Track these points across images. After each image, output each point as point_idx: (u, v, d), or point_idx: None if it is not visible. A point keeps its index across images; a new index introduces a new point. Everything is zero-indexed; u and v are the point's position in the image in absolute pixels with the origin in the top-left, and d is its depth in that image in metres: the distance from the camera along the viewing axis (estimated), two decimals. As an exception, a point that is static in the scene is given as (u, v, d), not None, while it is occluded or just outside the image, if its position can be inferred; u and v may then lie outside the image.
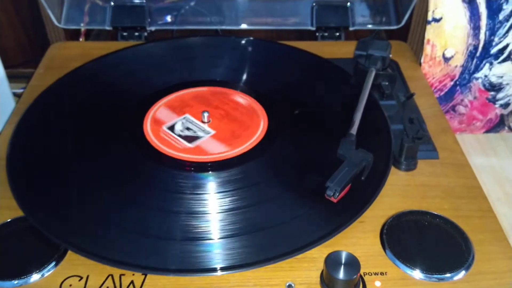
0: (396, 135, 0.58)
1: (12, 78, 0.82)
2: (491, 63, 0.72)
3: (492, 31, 0.70)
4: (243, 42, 0.74)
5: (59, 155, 0.57)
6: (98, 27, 0.82)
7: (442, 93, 0.75)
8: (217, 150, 0.57)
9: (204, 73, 0.69)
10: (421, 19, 0.76)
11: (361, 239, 0.48)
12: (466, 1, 0.68)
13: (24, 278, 0.44)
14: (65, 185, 0.53)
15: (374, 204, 0.51)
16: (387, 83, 0.65)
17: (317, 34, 0.81)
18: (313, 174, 0.54)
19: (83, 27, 0.83)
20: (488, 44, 0.71)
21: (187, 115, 0.62)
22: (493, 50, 0.71)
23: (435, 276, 0.45)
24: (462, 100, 0.75)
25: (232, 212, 0.50)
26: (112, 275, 0.45)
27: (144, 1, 0.81)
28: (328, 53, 0.73)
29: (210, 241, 0.47)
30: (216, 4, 0.83)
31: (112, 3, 0.81)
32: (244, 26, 0.83)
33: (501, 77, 0.73)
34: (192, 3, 0.83)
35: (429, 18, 0.70)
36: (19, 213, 0.50)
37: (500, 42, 0.71)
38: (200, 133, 0.59)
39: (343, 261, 0.43)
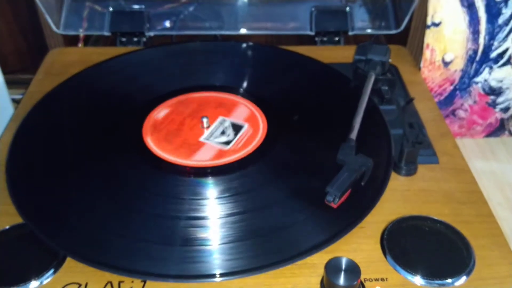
0: (396, 140, 0.58)
1: (10, 84, 0.81)
2: (490, 67, 0.72)
3: (491, 35, 0.70)
4: (243, 47, 0.74)
5: (58, 161, 0.56)
6: (96, 32, 0.82)
7: (441, 98, 0.75)
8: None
9: (203, 79, 0.69)
10: (420, 24, 0.76)
11: (361, 245, 0.48)
12: (465, 5, 0.68)
13: (23, 285, 0.44)
14: (64, 192, 0.53)
15: (374, 209, 0.50)
16: (386, 88, 0.65)
17: (316, 38, 0.81)
18: (313, 179, 0.54)
19: (81, 33, 0.82)
20: (488, 48, 0.71)
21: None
22: (493, 54, 0.71)
23: (436, 282, 0.45)
24: (462, 104, 0.75)
25: (232, 217, 0.50)
26: (111, 282, 0.44)
27: (143, 6, 0.81)
28: (328, 58, 0.72)
29: (210, 247, 0.47)
30: (215, 9, 0.83)
31: (111, 9, 0.81)
32: (243, 31, 0.83)
33: (501, 81, 0.73)
34: (191, 9, 0.83)
35: (428, 22, 0.70)
36: (18, 219, 0.49)
37: (499, 46, 0.71)
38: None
39: (343, 267, 0.42)
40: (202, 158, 0.57)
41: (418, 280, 0.45)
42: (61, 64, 0.75)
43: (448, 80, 0.73)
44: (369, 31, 0.82)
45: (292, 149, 0.58)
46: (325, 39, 0.81)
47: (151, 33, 0.81)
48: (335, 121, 0.61)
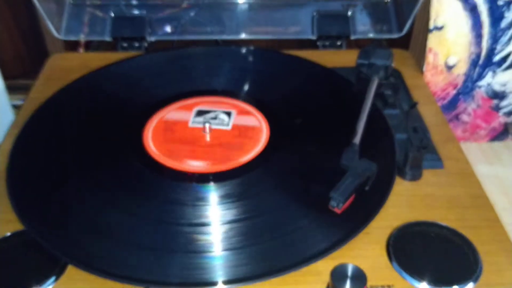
0: (400, 145, 0.57)
1: (11, 89, 0.81)
2: (494, 71, 0.72)
3: (494, 39, 0.70)
4: (244, 51, 0.73)
5: (59, 167, 0.56)
6: (98, 38, 0.82)
7: (445, 102, 0.74)
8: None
9: (205, 83, 0.68)
10: (422, 28, 0.76)
11: (367, 251, 0.48)
12: (467, 9, 0.68)
13: (24, 293, 0.44)
14: (65, 198, 0.52)
15: (379, 214, 0.50)
16: (390, 92, 0.65)
17: (318, 43, 0.81)
18: (317, 184, 0.53)
19: (82, 38, 0.82)
20: (491, 52, 0.70)
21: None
22: (496, 58, 0.71)
23: (443, 288, 0.44)
24: (465, 108, 0.75)
25: (234, 224, 0.49)
26: (113, 290, 0.44)
27: (144, 11, 0.81)
28: (330, 62, 0.72)
29: (212, 254, 0.47)
30: (216, 14, 0.83)
31: (112, 14, 0.81)
32: (244, 35, 0.82)
33: (504, 85, 0.73)
34: (192, 14, 0.82)
35: (431, 26, 0.70)
36: (19, 226, 0.49)
37: (502, 50, 0.70)
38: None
39: (349, 274, 0.42)
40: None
41: (424, 286, 0.44)
42: (62, 69, 0.74)
43: (451, 84, 0.73)
44: (371, 35, 0.82)
45: (296, 154, 0.58)
46: (327, 43, 0.81)
47: (153, 38, 0.81)
48: (338, 125, 0.61)
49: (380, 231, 0.49)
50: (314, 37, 0.81)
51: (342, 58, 0.76)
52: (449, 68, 0.72)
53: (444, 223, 0.50)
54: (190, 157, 0.57)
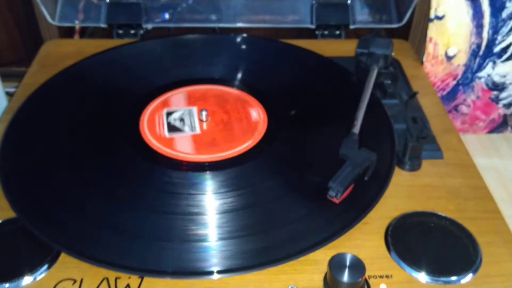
0: (399, 135, 0.57)
1: (4, 76, 0.80)
2: (494, 62, 0.71)
3: (495, 30, 0.69)
4: (242, 40, 0.72)
5: (52, 154, 0.55)
6: (93, 24, 0.80)
7: (444, 93, 0.74)
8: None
9: (202, 72, 0.67)
10: (422, 17, 0.75)
11: (365, 241, 0.47)
12: (469, -2, 0.67)
13: (16, 281, 0.43)
14: (58, 186, 0.51)
15: (378, 205, 0.49)
16: (389, 82, 0.64)
17: (317, 32, 0.80)
18: (315, 174, 0.53)
19: (77, 25, 0.81)
20: (491, 42, 0.70)
21: (194, 108, 0.60)
22: (496, 49, 0.70)
23: (442, 279, 0.44)
24: (464, 99, 0.74)
25: (231, 213, 0.48)
26: (107, 278, 0.43)
27: (140, -2, 0.80)
28: (329, 52, 0.71)
29: (209, 243, 0.46)
30: (213, 2, 0.82)
31: (108, 0, 0.79)
32: (242, 24, 0.81)
33: (504, 76, 0.72)
34: (189, 1, 0.81)
35: (432, 16, 0.69)
36: (11, 214, 0.48)
37: (503, 40, 0.69)
38: (185, 128, 0.58)
39: (347, 263, 0.41)
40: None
41: (423, 277, 0.44)
42: (56, 56, 0.73)
43: (451, 74, 0.72)
44: (370, 24, 0.81)
45: (294, 143, 0.57)
46: (326, 32, 0.80)
47: (149, 25, 0.80)
48: (337, 115, 0.60)
49: (379, 222, 0.49)
50: (313, 26, 0.80)
51: (340, 48, 0.75)
52: (449, 58, 0.71)
53: (443, 213, 0.49)
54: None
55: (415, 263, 0.44)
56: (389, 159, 0.54)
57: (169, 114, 0.60)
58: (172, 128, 0.58)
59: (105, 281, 0.43)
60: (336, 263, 0.41)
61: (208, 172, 0.53)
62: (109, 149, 0.56)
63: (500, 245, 0.47)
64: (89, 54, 0.70)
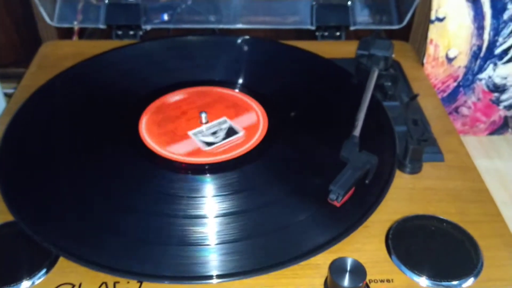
0: (400, 137, 0.56)
1: (3, 77, 0.80)
2: (495, 64, 0.71)
3: (496, 31, 0.69)
4: (243, 41, 0.72)
5: (50, 157, 0.54)
6: (91, 25, 0.80)
7: (445, 94, 0.73)
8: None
9: (203, 73, 0.67)
10: (423, 19, 0.75)
11: (366, 245, 0.47)
12: (470, 0, 0.67)
13: (14, 285, 0.42)
14: (57, 189, 0.51)
15: (379, 208, 0.49)
16: (390, 84, 0.64)
17: (317, 33, 0.80)
18: (316, 177, 0.52)
19: (76, 26, 0.80)
20: (492, 44, 0.69)
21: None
22: (497, 51, 0.70)
23: (443, 283, 0.43)
24: (465, 101, 0.74)
25: (231, 216, 0.48)
26: (106, 283, 0.43)
27: (140, -1, 0.79)
28: (329, 53, 0.71)
29: (208, 247, 0.45)
30: (213, 3, 0.81)
31: (106, 1, 0.79)
32: (241, 25, 0.81)
33: (505, 78, 0.72)
34: (189, 2, 0.81)
35: (432, 17, 0.68)
36: (9, 217, 0.47)
37: (504, 42, 0.69)
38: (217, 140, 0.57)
39: (348, 267, 0.41)
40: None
41: (424, 281, 0.43)
42: (55, 57, 0.73)
43: (452, 76, 0.72)
44: (371, 26, 0.80)
45: (294, 146, 0.57)
46: (326, 34, 0.79)
47: (148, 26, 0.79)
48: (338, 117, 0.60)
49: (380, 225, 0.48)
50: (313, 27, 0.80)
51: (341, 49, 0.75)
52: (450, 60, 0.71)
53: (444, 217, 0.49)
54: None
55: (416, 267, 0.44)
56: (390, 162, 0.53)
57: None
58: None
59: (103, 286, 0.43)
60: (336, 268, 0.41)
61: (208, 174, 0.53)
62: (107, 152, 0.55)
63: (502, 249, 0.47)
64: (88, 55, 0.70)
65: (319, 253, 0.45)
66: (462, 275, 0.44)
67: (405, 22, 0.78)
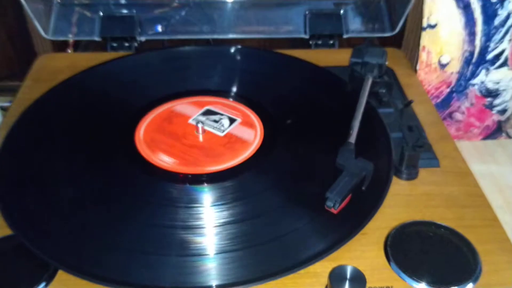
0: (395, 144, 0.57)
1: (-2, 91, 0.80)
2: (487, 69, 0.71)
3: (487, 37, 0.69)
4: (237, 51, 0.72)
5: (48, 170, 0.54)
6: (86, 38, 0.80)
7: (438, 100, 0.74)
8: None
9: (198, 83, 0.67)
10: (415, 26, 0.75)
11: (364, 252, 0.47)
12: (461, 6, 0.68)
13: (13, 299, 0.42)
14: (55, 202, 0.51)
15: (376, 215, 0.49)
16: (384, 91, 0.64)
17: (310, 42, 0.80)
18: (312, 184, 0.52)
19: (71, 38, 0.81)
20: (484, 50, 0.70)
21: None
22: (489, 56, 0.71)
23: (442, 289, 0.43)
24: (459, 107, 0.74)
25: (229, 226, 0.48)
26: (106, 295, 0.43)
27: (134, 11, 0.80)
28: (323, 61, 0.71)
29: (206, 257, 0.45)
30: (206, 13, 0.82)
31: (101, 13, 0.79)
32: (235, 35, 0.81)
33: (498, 83, 0.72)
34: (183, 13, 0.81)
35: (424, 24, 0.69)
36: (7, 231, 0.47)
37: (496, 47, 0.70)
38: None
39: (348, 275, 0.41)
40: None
41: (423, 287, 0.43)
42: (50, 70, 0.73)
43: (445, 82, 0.73)
44: (363, 33, 0.81)
45: (290, 154, 0.57)
46: (319, 42, 0.80)
47: (143, 38, 0.80)
48: (333, 125, 0.60)
49: (378, 232, 0.48)
50: (306, 36, 0.80)
51: (334, 57, 0.75)
52: (443, 66, 0.71)
53: (441, 222, 0.49)
54: (165, 151, 0.56)
55: (415, 274, 0.44)
56: (386, 168, 0.53)
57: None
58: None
59: (104, 298, 0.43)
60: (336, 276, 0.41)
61: (205, 184, 0.53)
62: (105, 164, 0.56)
63: (499, 253, 0.47)
64: (83, 67, 0.70)
65: (317, 261, 0.45)
66: (461, 280, 0.44)
67: (397, 30, 0.78)
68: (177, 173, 0.54)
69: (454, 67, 0.71)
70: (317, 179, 0.53)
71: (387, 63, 0.65)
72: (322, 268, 0.44)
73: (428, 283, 0.44)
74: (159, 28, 0.81)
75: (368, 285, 0.43)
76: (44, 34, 0.78)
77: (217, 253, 0.46)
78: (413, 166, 0.55)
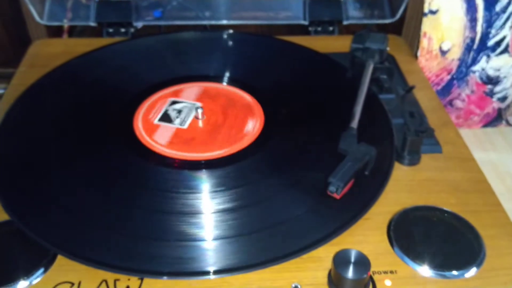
0: (397, 129, 0.56)
1: (-8, 78, 0.78)
2: (488, 56, 0.71)
3: (489, 23, 0.69)
4: (237, 36, 0.71)
5: (44, 155, 0.54)
6: (82, 23, 0.79)
7: (439, 87, 0.73)
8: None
9: (197, 69, 0.66)
10: (415, 12, 0.75)
11: (368, 237, 0.46)
12: (462, -8, 0.67)
13: (10, 286, 0.41)
14: (52, 187, 0.50)
15: (379, 200, 0.49)
16: (385, 77, 0.63)
17: (310, 28, 0.79)
18: (314, 170, 0.52)
19: (66, 24, 0.79)
20: (485, 36, 0.69)
21: (199, 104, 0.60)
22: (490, 43, 0.70)
23: (446, 273, 0.43)
24: (459, 94, 0.74)
25: (232, 211, 0.48)
26: (106, 280, 0.42)
27: (130, -4, 0.79)
28: (322, 48, 0.71)
29: (207, 242, 0.45)
30: (203, -1, 0.81)
31: (97, -2, 0.78)
32: (233, 21, 0.80)
33: (498, 70, 0.72)
34: (180, -2, 0.80)
35: (425, 10, 0.68)
36: (4, 216, 0.46)
37: (497, 34, 0.69)
38: (176, 121, 0.58)
39: (352, 259, 0.40)
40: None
41: (427, 271, 0.43)
42: (45, 56, 0.72)
43: (446, 69, 0.72)
44: (363, 20, 0.80)
45: (292, 140, 0.56)
46: (319, 28, 0.79)
47: (139, 24, 0.79)
48: (335, 110, 0.59)
49: (381, 217, 0.48)
50: (306, 23, 0.80)
51: (334, 44, 0.74)
52: (444, 53, 0.71)
53: (445, 207, 0.49)
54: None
55: (419, 258, 0.44)
56: (388, 154, 0.53)
57: (173, 103, 0.59)
58: (164, 117, 0.58)
59: (104, 283, 0.42)
60: (340, 259, 0.40)
61: (204, 170, 0.52)
62: (101, 149, 0.55)
63: (504, 238, 0.46)
64: (79, 53, 0.69)
65: (320, 245, 0.44)
66: (464, 265, 0.44)
67: (398, 16, 0.78)
68: (175, 159, 0.53)
69: (455, 54, 0.71)
70: (319, 165, 0.52)
71: (388, 49, 0.64)
72: (325, 253, 0.44)
73: (432, 267, 0.43)
74: (156, 14, 0.80)
75: (372, 269, 0.43)
76: (39, 19, 0.77)
77: (218, 238, 0.45)
78: (415, 152, 0.54)
